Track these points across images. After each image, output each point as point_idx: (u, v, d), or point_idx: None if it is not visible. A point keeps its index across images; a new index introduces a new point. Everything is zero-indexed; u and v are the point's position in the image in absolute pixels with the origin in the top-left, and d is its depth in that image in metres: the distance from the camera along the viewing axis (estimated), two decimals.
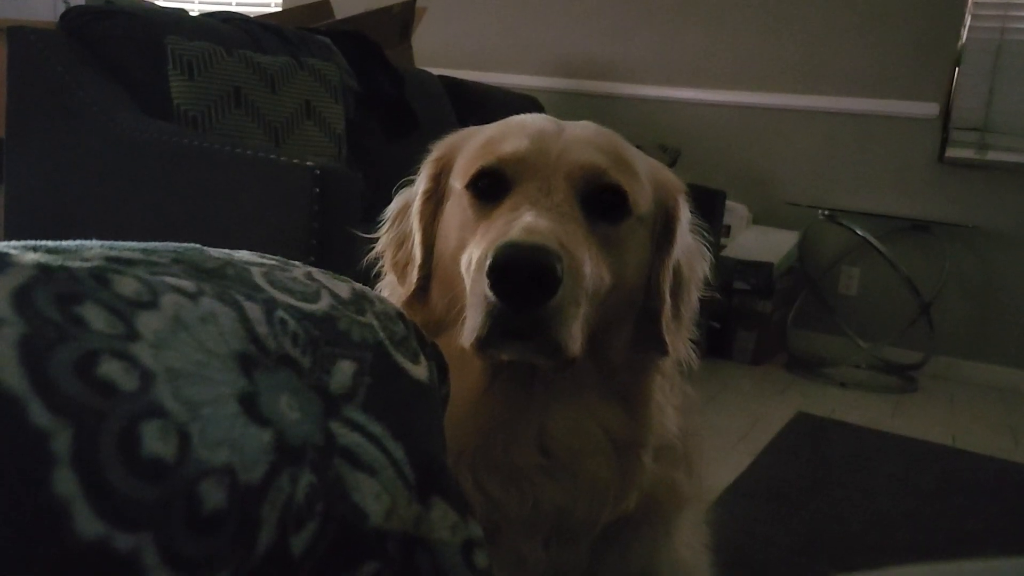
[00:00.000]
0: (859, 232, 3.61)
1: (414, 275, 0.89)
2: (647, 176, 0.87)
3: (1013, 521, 2.12)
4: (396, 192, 0.98)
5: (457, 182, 0.87)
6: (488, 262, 0.70)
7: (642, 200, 0.85)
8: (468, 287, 0.77)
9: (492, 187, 0.82)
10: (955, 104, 3.77)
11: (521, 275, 0.68)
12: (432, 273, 0.89)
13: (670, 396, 0.91)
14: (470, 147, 0.88)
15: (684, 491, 0.89)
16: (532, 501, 0.79)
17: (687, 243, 0.91)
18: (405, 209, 0.94)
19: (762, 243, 3.86)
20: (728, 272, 3.70)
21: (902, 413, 3.14)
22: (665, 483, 0.87)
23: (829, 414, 2.99)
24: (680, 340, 0.89)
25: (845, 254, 3.96)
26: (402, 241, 0.94)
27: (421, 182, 0.93)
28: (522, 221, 0.73)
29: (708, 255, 0.95)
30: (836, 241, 3.94)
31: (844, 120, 3.99)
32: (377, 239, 0.98)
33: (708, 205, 3.36)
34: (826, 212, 3.68)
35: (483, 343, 0.73)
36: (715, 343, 3.75)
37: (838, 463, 2.46)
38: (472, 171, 0.84)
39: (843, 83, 3.97)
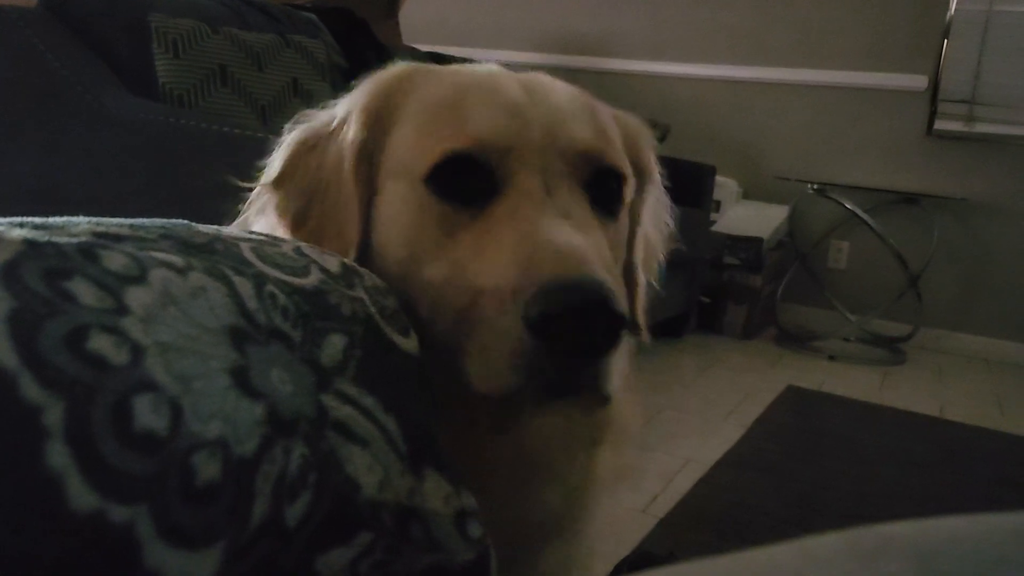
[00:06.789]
0: (848, 206, 3.62)
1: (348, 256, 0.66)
2: (619, 136, 0.74)
3: (1000, 489, 2.15)
4: (289, 129, 0.75)
5: (404, 162, 0.66)
6: (537, 308, 0.53)
7: (629, 176, 0.72)
8: (451, 315, 0.60)
9: (466, 182, 0.62)
10: (944, 77, 3.77)
11: (583, 323, 0.53)
12: (367, 262, 0.66)
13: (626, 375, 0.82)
14: (419, 108, 0.67)
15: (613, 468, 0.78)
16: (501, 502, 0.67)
17: (652, 202, 0.80)
18: (309, 151, 0.72)
19: (752, 218, 3.87)
20: (718, 247, 3.71)
21: (891, 385, 3.17)
22: (608, 466, 0.77)
23: (819, 387, 3.02)
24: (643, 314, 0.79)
25: (834, 228, 3.98)
26: (309, 199, 0.70)
27: (353, 130, 0.69)
28: (554, 241, 0.56)
29: (670, 204, 0.84)
30: (825, 215, 3.95)
31: (833, 94, 3.99)
32: (251, 189, 0.75)
33: (698, 180, 3.36)
34: (815, 186, 3.69)
35: (512, 400, 0.57)
36: (705, 318, 3.77)
37: (828, 435, 2.49)
38: (434, 158, 0.63)
39: (832, 56, 3.97)
